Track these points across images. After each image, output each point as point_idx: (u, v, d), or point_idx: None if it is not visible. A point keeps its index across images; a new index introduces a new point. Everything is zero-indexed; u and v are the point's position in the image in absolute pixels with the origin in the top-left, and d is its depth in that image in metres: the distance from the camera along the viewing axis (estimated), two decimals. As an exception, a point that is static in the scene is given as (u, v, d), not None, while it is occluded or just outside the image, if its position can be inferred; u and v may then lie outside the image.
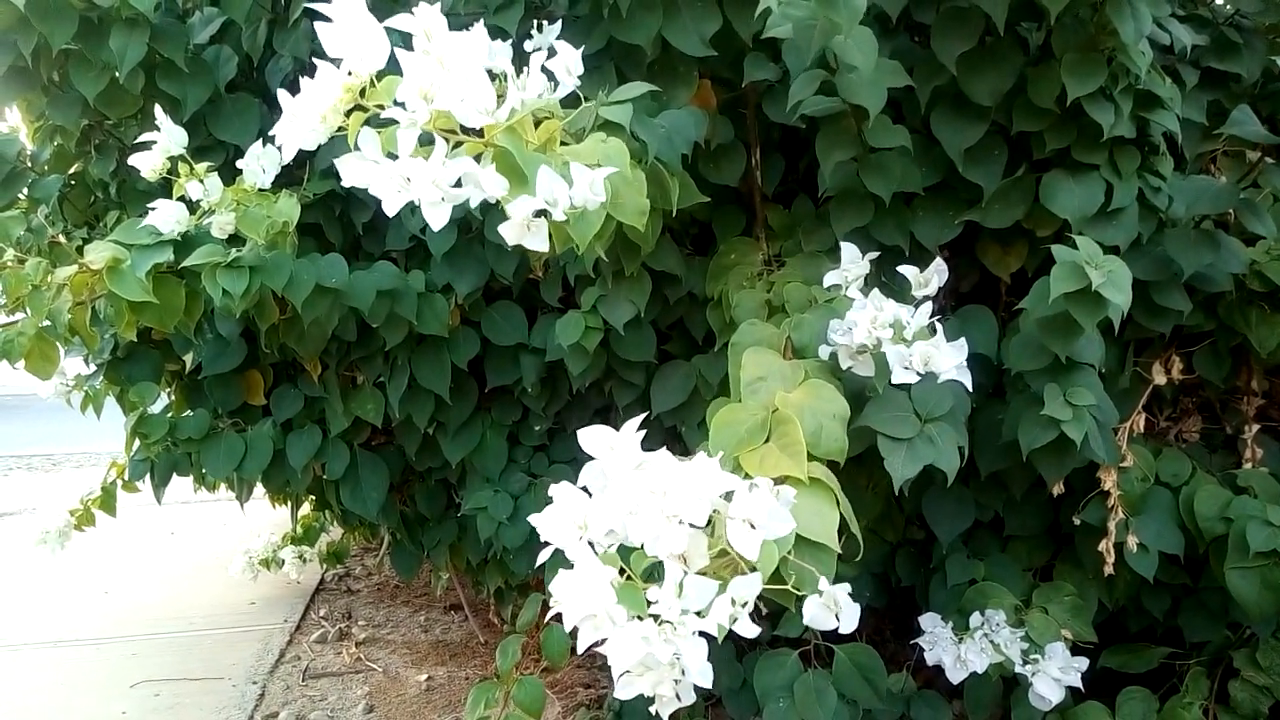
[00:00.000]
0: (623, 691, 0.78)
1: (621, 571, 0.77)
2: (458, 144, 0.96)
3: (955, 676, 1.42)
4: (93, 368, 2.02)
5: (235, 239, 1.49)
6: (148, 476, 1.88)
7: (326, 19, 0.88)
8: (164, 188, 1.53)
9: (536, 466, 1.89)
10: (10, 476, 4.92)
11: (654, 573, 0.77)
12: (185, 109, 1.64)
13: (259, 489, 2.06)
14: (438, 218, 0.93)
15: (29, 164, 1.85)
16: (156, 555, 3.38)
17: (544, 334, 1.71)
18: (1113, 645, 1.61)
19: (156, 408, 1.87)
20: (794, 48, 1.33)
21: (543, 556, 0.82)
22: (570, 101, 1.14)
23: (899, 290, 1.30)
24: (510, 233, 0.97)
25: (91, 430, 2.55)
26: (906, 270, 1.31)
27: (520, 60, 1.05)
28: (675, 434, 1.66)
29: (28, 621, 2.75)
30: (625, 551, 0.78)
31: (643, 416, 0.89)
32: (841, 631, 0.86)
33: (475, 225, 1.63)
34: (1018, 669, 1.40)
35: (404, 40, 0.90)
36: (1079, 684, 1.41)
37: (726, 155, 1.54)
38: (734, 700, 1.65)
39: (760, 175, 1.58)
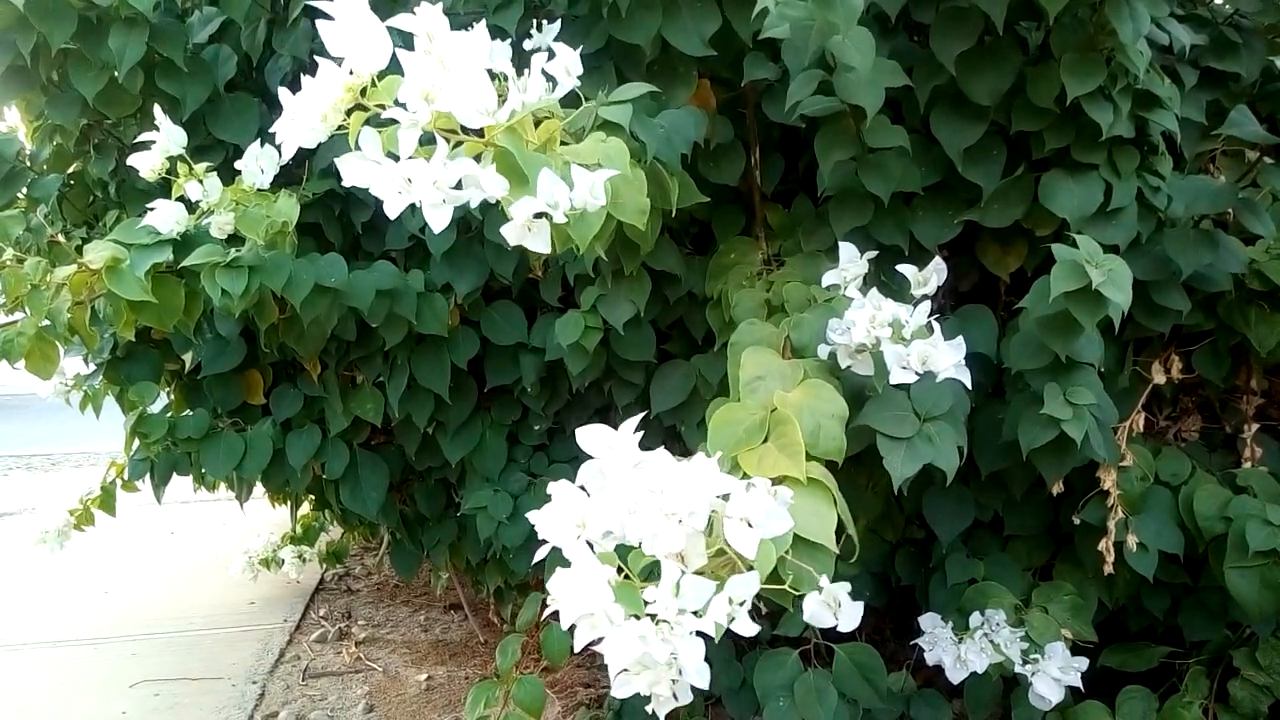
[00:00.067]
0: (620, 690, 0.78)
1: (620, 570, 0.78)
2: (458, 144, 0.96)
3: (955, 676, 1.43)
4: (92, 367, 2.02)
5: (234, 239, 1.49)
6: (147, 476, 1.88)
7: (328, 17, 0.88)
8: (163, 187, 1.53)
9: (536, 466, 1.89)
10: (10, 476, 4.91)
11: (652, 572, 0.77)
12: (184, 108, 1.64)
13: (259, 489, 2.06)
14: (438, 219, 0.93)
15: (28, 163, 1.85)
16: (156, 555, 3.38)
17: (543, 333, 1.71)
18: (1112, 644, 1.61)
19: (156, 407, 1.87)
20: (792, 48, 1.33)
21: (540, 554, 0.83)
22: (570, 101, 1.13)
23: (898, 290, 1.30)
24: (512, 233, 0.97)
25: (91, 430, 2.54)
26: (905, 269, 1.31)
27: (520, 60, 1.05)
28: (675, 434, 1.67)
29: (28, 621, 2.75)
30: (624, 550, 0.79)
31: (641, 416, 0.89)
32: (842, 630, 0.86)
33: (475, 225, 1.63)
34: (1018, 668, 1.40)
35: (404, 40, 0.90)
36: (1079, 683, 1.41)
37: (726, 155, 1.54)
38: (734, 700, 1.65)
39: (760, 175, 1.58)
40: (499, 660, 1.50)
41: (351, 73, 0.90)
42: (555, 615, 0.76)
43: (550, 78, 1.09)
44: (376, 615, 2.76)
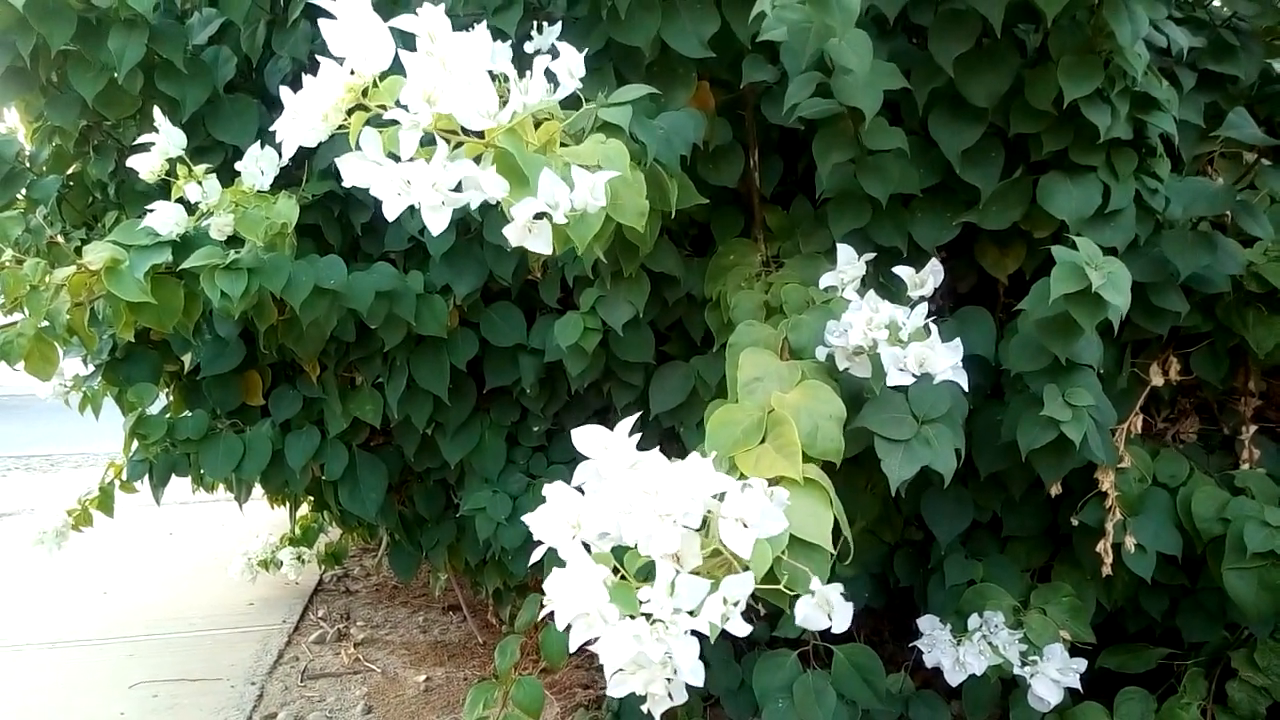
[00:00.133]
0: (615, 690, 0.78)
1: (616, 571, 0.78)
2: (458, 145, 0.96)
3: (954, 678, 1.43)
4: (91, 368, 2.02)
5: (234, 240, 1.49)
6: (146, 477, 1.88)
7: (329, 17, 0.88)
8: (162, 189, 1.53)
9: (535, 467, 1.89)
10: (9, 477, 4.91)
11: (649, 573, 0.77)
12: (184, 110, 1.64)
13: (257, 490, 2.06)
14: (437, 221, 0.93)
15: (27, 164, 1.85)
16: (155, 556, 3.38)
17: (543, 335, 1.71)
18: (1111, 646, 1.61)
19: (155, 408, 1.87)
20: (790, 50, 1.33)
21: (536, 555, 0.83)
22: (570, 103, 1.14)
23: (897, 291, 1.30)
24: (513, 234, 0.97)
25: (90, 431, 2.55)
26: (902, 271, 1.31)
27: (520, 62, 1.05)
28: (674, 435, 1.67)
29: (27, 622, 2.75)
30: (620, 552, 0.79)
31: (637, 416, 0.89)
32: (835, 631, 0.86)
33: (474, 227, 1.63)
34: (1016, 670, 1.40)
35: (405, 41, 0.90)
36: (1077, 685, 1.41)
37: (725, 157, 1.54)
38: (733, 701, 1.65)
39: (759, 176, 1.58)
40: (498, 661, 1.50)
41: (353, 73, 0.90)
42: (553, 616, 0.76)
43: (552, 78, 1.10)
44: (375, 616, 2.76)
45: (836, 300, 1.29)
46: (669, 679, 0.78)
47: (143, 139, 1.47)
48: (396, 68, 0.90)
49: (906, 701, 1.58)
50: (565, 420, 1.88)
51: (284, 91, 0.93)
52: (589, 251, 1.08)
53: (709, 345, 1.59)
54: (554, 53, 1.10)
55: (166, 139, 1.45)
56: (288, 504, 2.57)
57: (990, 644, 1.42)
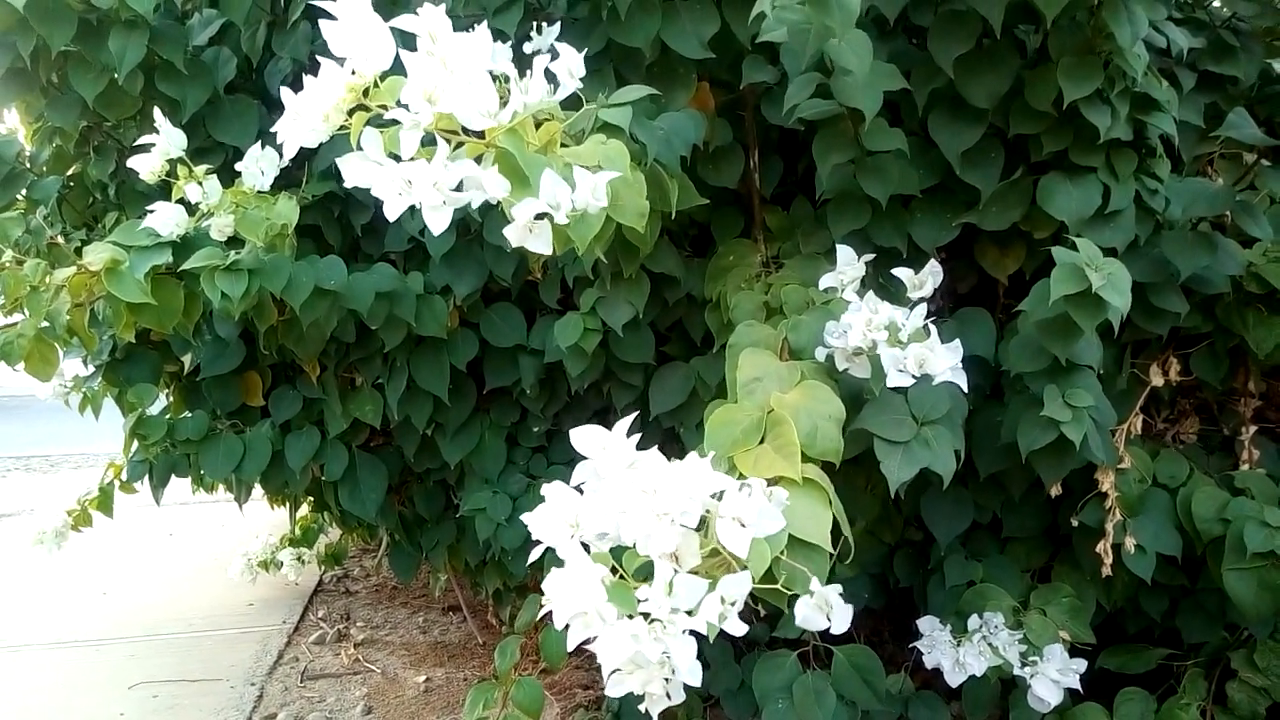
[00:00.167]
0: (613, 689, 0.79)
1: (614, 571, 0.78)
2: (459, 145, 0.96)
3: (954, 679, 1.43)
4: (91, 369, 2.02)
5: (234, 241, 1.49)
6: (146, 478, 1.88)
7: (330, 17, 0.89)
8: (163, 189, 1.53)
9: (535, 468, 1.89)
10: (9, 478, 4.91)
11: (647, 573, 0.77)
12: (184, 111, 1.64)
13: (257, 490, 2.06)
14: (438, 221, 0.94)
15: (28, 165, 1.85)
16: (155, 557, 3.38)
17: (543, 335, 1.71)
18: (1111, 646, 1.61)
19: (155, 409, 1.87)
20: (790, 51, 1.33)
21: (535, 554, 0.83)
22: (570, 104, 1.14)
23: (896, 292, 1.30)
24: (514, 235, 0.98)
25: (90, 431, 2.55)
26: (901, 272, 1.31)
27: (520, 63, 1.05)
28: (674, 435, 1.67)
29: (27, 623, 2.75)
30: (619, 551, 0.79)
31: (635, 416, 0.90)
32: (834, 631, 0.86)
33: (474, 227, 1.63)
34: (1016, 671, 1.40)
35: (405, 41, 0.90)
36: (1077, 685, 1.41)
37: (725, 157, 1.54)
38: (733, 701, 1.65)
39: (759, 177, 1.58)
40: (498, 662, 1.50)
41: (354, 73, 0.90)
42: (552, 615, 0.76)
43: (552, 78, 1.10)
44: (375, 617, 2.76)
45: (836, 301, 1.29)
46: (667, 679, 0.78)
47: (143, 140, 1.47)
48: (397, 68, 0.90)
49: (906, 702, 1.58)
50: (565, 421, 1.88)
51: (285, 92, 0.93)
52: (589, 252, 1.08)
53: (709, 346, 1.59)
54: (554, 53, 1.10)
55: (167, 139, 1.45)
56: (288, 505, 2.58)
57: (990, 645, 1.42)
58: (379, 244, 1.78)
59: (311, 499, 2.27)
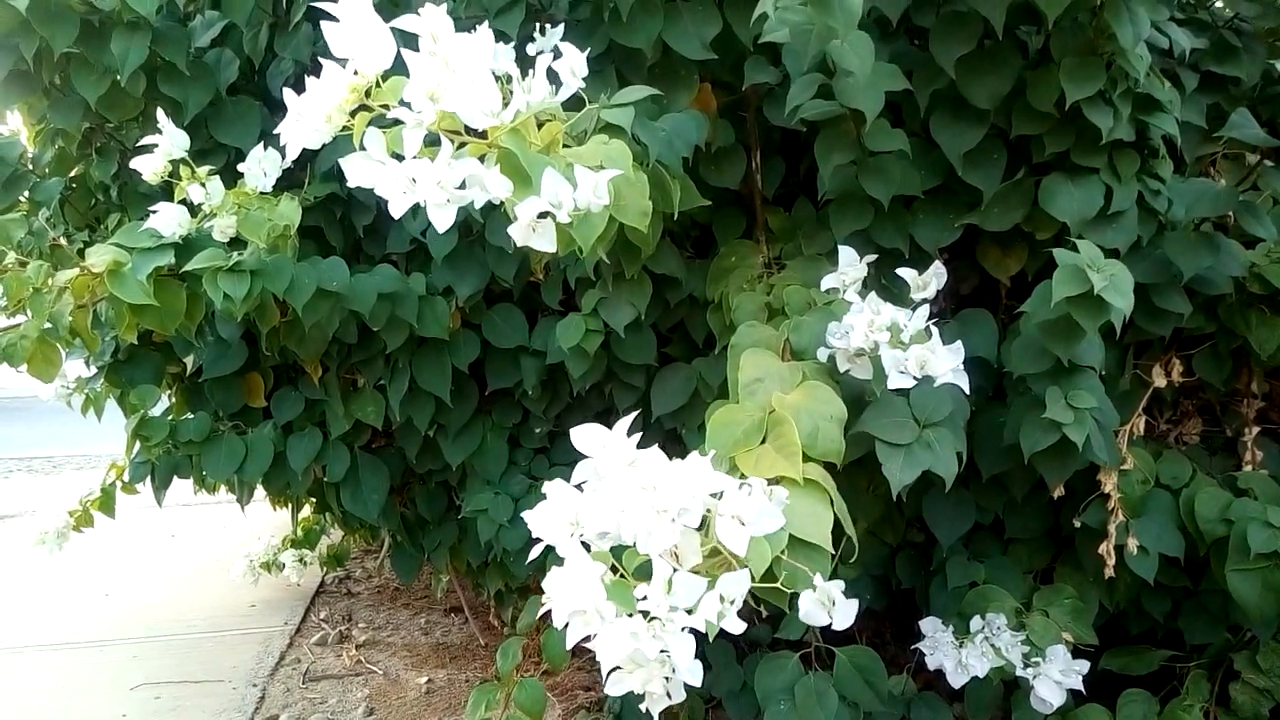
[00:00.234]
0: (613, 688, 0.78)
1: (614, 569, 0.78)
2: (462, 145, 0.96)
3: (956, 680, 1.42)
4: (93, 370, 2.03)
5: (236, 242, 1.49)
6: (148, 479, 1.88)
7: (332, 18, 0.89)
8: (165, 191, 1.54)
9: (537, 469, 1.89)
10: (11, 479, 4.92)
11: (647, 572, 0.77)
12: (186, 112, 1.64)
13: (259, 491, 2.07)
14: (443, 219, 0.94)
15: (30, 167, 1.85)
16: (157, 558, 3.38)
17: (544, 337, 1.71)
18: (1113, 648, 1.61)
19: (157, 410, 1.87)
20: (792, 52, 1.33)
21: (534, 553, 0.83)
22: (572, 104, 1.14)
23: (899, 293, 1.30)
24: (517, 234, 0.98)
25: (92, 433, 2.55)
26: (904, 273, 1.31)
27: (522, 64, 1.05)
28: (676, 437, 1.67)
29: (29, 623, 2.76)
30: (619, 550, 0.79)
31: (636, 415, 0.90)
32: (836, 628, 0.86)
33: (476, 228, 1.63)
34: (1019, 672, 1.40)
35: (407, 41, 0.91)
36: (1080, 686, 1.40)
37: (727, 158, 1.54)
38: (735, 703, 1.65)
39: (760, 178, 1.58)
40: (500, 663, 1.50)
41: (356, 73, 0.90)
42: (552, 614, 0.76)
43: (555, 78, 1.10)
44: (377, 618, 2.76)
45: (838, 302, 1.29)
46: (667, 677, 0.78)
47: (145, 141, 1.47)
48: (399, 69, 0.91)
49: (908, 703, 1.58)
50: (567, 422, 1.88)
51: (287, 93, 0.93)
52: (592, 252, 1.08)
53: (711, 347, 1.59)
54: (556, 53, 1.10)
55: (169, 140, 1.45)
56: (290, 506, 2.57)
57: (992, 646, 1.41)
58: (381, 245, 1.79)
59: (313, 500, 2.27)
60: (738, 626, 0.76)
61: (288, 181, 1.60)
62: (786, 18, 1.20)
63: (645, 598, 0.75)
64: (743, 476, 0.90)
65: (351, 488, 1.90)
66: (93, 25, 1.54)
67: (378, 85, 0.91)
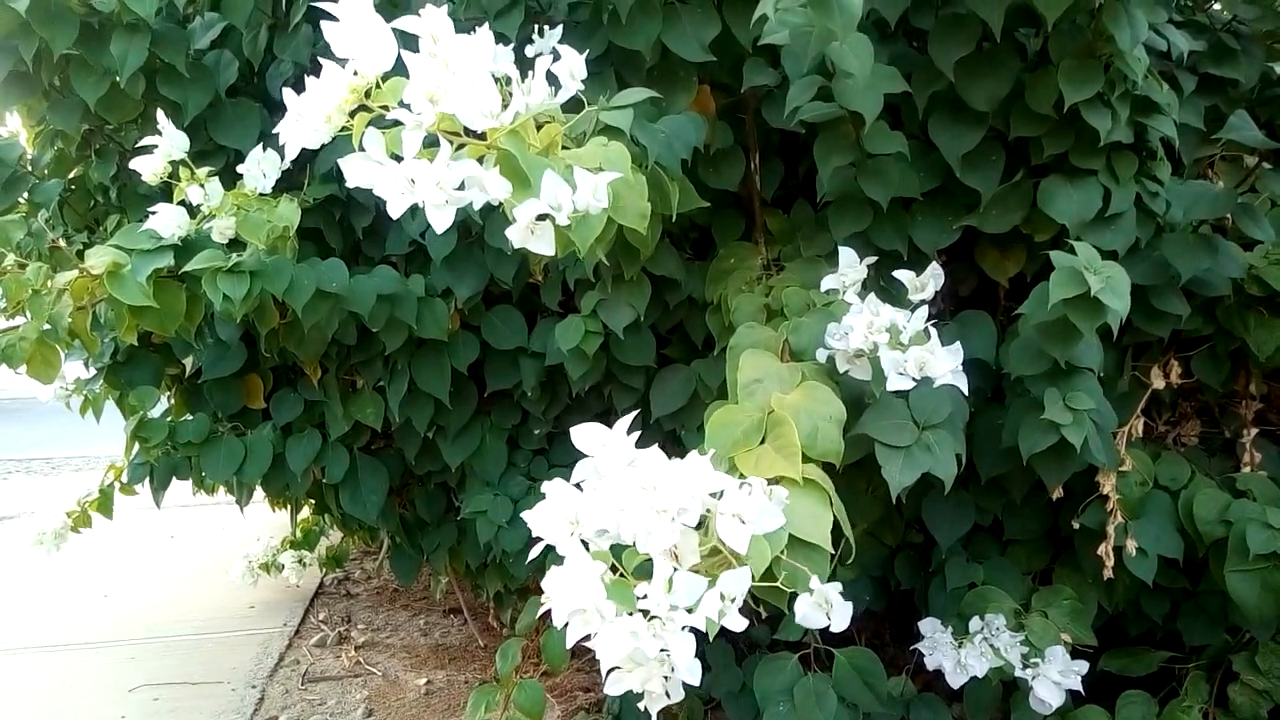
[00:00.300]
0: (612, 688, 0.79)
1: (614, 569, 0.78)
2: (461, 146, 0.97)
3: (955, 681, 1.42)
4: (93, 372, 2.03)
5: (236, 243, 1.49)
6: (147, 480, 1.88)
7: (332, 18, 0.89)
8: (164, 192, 1.54)
9: (536, 470, 1.89)
10: (9, 480, 4.91)
11: (647, 571, 0.77)
12: (186, 113, 1.64)
13: (258, 493, 2.07)
14: (442, 220, 0.94)
15: (29, 168, 1.85)
16: (156, 559, 3.38)
17: (544, 338, 1.71)
18: (1112, 649, 1.61)
19: (156, 412, 1.87)
20: (792, 54, 1.33)
21: (534, 552, 0.83)
22: (571, 106, 1.14)
23: (897, 295, 1.30)
24: (516, 236, 0.98)
25: (91, 434, 2.55)
26: (903, 275, 1.31)
27: (521, 66, 1.05)
28: (675, 438, 1.67)
29: (27, 625, 2.75)
30: (618, 549, 0.79)
31: (635, 414, 0.90)
32: (833, 629, 0.86)
33: (475, 230, 1.63)
34: (1018, 673, 1.40)
35: (407, 42, 0.91)
36: (1079, 687, 1.40)
37: (726, 160, 1.55)
38: (734, 704, 1.65)
39: (759, 180, 1.59)
40: (499, 664, 1.50)
41: (356, 74, 0.90)
42: (552, 614, 0.76)
43: (554, 80, 1.10)
44: (376, 619, 2.76)
45: (837, 303, 1.29)
46: (666, 677, 0.78)
47: (145, 142, 1.47)
48: (399, 70, 0.91)
49: (908, 704, 1.58)
50: (566, 423, 1.87)
51: (287, 94, 0.94)
52: (591, 254, 1.08)
53: (710, 349, 1.59)
54: (555, 55, 1.10)
55: (169, 141, 1.46)
56: (289, 507, 2.57)
57: (991, 646, 1.42)
58: (380, 247, 1.79)
59: (312, 501, 2.27)
60: (739, 624, 0.76)
61: (287, 183, 1.61)
62: (786, 20, 1.20)
63: (645, 597, 0.75)
64: (742, 476, 0.90)
65: (350, 489, 1.90)
66: (92, 27, 1.54)
67: (377, 86, 0.91)
